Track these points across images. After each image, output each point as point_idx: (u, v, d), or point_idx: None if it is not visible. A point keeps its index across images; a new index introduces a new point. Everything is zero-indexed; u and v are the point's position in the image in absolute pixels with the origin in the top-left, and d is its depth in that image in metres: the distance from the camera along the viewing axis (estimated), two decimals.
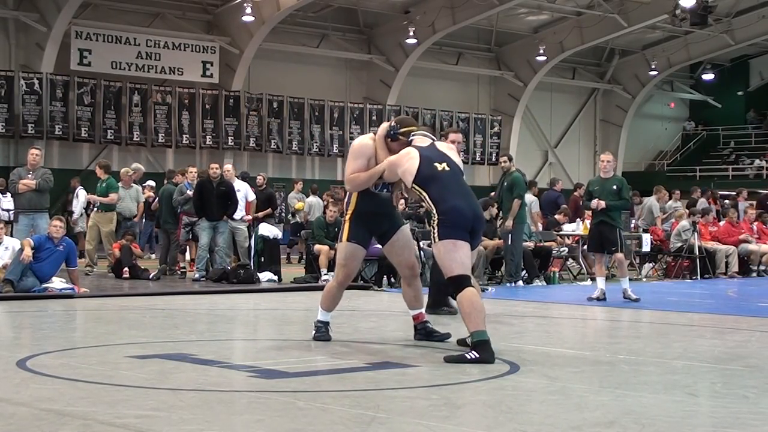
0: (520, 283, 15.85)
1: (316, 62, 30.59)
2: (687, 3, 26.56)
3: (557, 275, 17.39)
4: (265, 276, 15.38)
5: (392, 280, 15.11)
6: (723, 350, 8.50)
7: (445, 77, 33.68)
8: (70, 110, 25.50)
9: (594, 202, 13.30)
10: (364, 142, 8.30)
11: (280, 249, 17.28)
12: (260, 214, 18.43)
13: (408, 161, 7.74)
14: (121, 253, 15.83)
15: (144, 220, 20.47)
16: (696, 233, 18.59)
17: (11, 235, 15.19)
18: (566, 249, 18.60)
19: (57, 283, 12.92)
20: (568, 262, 18.85)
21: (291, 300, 13.23)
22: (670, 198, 21.95)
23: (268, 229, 16.52)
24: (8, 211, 18.50)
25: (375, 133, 8.29)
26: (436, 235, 7.52)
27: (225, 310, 11.76)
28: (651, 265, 19.52)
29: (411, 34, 29.55)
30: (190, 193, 16.10)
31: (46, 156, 18.90)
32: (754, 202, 23.69)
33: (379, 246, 8.87)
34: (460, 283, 7.39)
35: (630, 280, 14.05)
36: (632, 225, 20.66)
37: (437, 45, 31.88)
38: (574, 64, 36.52)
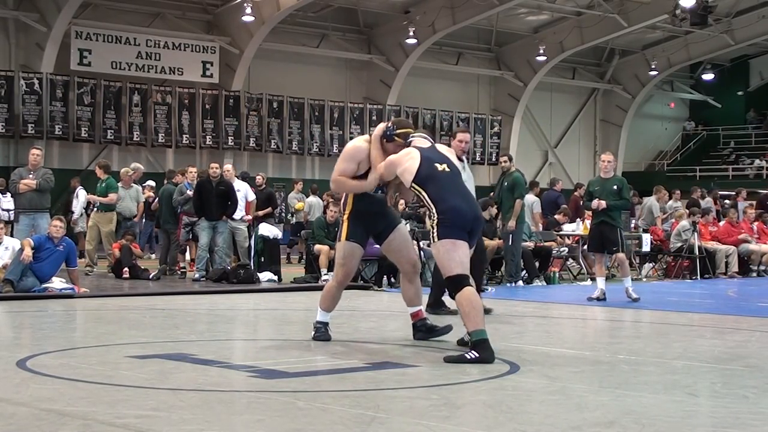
0: (520, 283, 15.86)
1: (316, 62, 30.57)
2: (687, 3, 26.57)
3: (557, 275, 17.39)
4: (265, 276, 15.37)
5: (392, 280, 15.10)
6: (723, 350, 8.50)
7: (445, 77, 33.65)
8: (70, 110, 25.49)
9: (595, 203, 13.30)
10: (357, 144, 8.31)
11: (280, 249, 17.27)
12: (260, 212, 18.43)
13: (408, 161, 7.75)
14: (121, 253, 15.83)
15: (144, 220, 20.46)
16: (696, 233, 18.59)
17: (11, 235, 15.19)
18: (566, 249, 18.59)
19: (57, 283, 12.91)
20: (568, 262, 18.85)
21: (291, 300, 13.23)
22: (670, 198, 21.96)
23: (268, 229, 16.52)
24: (8, 211, 18.50)
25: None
26: (435, 234, 7.53)
27: (225, 310, 11.76)
28: (651, 265, 19.52)
29: (411, 34, 29.52)
30: (190, 193, 16.10)
31: (46, 156, 18.86)
32: (754, 202, 23.68)
33: (378, 246, 8.87)
34: (458, 282, 7.39)
35: (631, 279, 14.06)
36: (632, 225, 20.66)
37: (437, 45, 31.85)
38: (574, 64, 36.49)
